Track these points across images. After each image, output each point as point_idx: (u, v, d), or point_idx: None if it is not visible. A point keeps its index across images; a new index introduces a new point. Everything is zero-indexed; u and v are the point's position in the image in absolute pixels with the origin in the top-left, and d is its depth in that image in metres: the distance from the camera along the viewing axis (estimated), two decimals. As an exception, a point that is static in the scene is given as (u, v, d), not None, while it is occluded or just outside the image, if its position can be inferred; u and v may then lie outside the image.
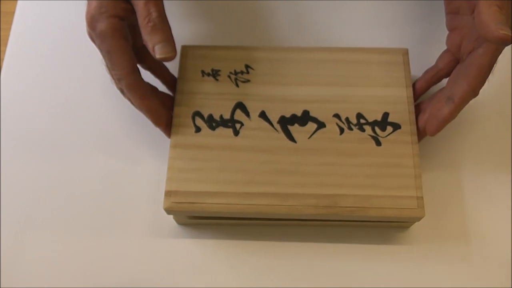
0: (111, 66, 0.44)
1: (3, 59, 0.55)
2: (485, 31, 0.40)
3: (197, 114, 0.47)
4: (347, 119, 0.47)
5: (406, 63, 0.50)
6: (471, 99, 0.45)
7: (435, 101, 0.47)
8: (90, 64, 0.53)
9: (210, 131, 0.47)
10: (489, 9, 0.40)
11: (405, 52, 0.50)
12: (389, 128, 0.47)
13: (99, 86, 0.53)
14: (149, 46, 0.43)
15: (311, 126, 0.47)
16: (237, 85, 0.49)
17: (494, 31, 0.39)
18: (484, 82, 0.44)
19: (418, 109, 0.48)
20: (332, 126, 0.47)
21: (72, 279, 0.47)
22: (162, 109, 0.46)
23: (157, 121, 0.46)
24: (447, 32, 0.49)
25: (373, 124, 0.47)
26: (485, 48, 0.43)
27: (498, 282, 0.47)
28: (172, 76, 0.50)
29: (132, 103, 0.47)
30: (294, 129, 0.47)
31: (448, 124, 0.46)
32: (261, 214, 0.45)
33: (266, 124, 0.47)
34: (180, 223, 0.49)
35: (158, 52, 0.42)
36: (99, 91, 0.54)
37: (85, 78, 0.54)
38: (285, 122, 0.47)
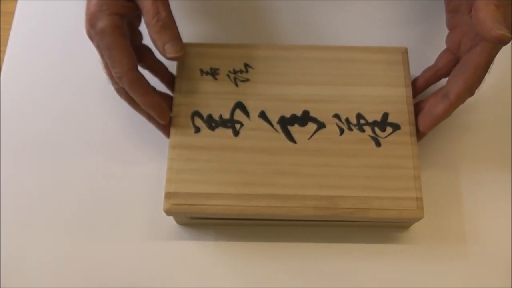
0: (111, 63, 0.42)
1: (3, 59, 0.54)
2: (481, 29, 0.38)
3: (196, 114, 0.46)
4: (347, 119, 0.45)
5: (406, 62, 0.48)
6: (467, 97, 0.43)
7: (432, 98, 0.46)
8: (91, 64, 0.51)
9: (209, 131, 0.45)
10: (487, 7, 0.39)
11: (405, 51, 0.48)
12: (389, 129, 0.45)
13: (99, 87, 0.52)
14: (159, 45, 0.42)
15: (311, 126, 0.45)
16: (236, 84, 0.47)
17: (490, 29, 0.38)
18: (481, 81, 0.43)
19: (417, 108, 0.47)
20: (332, 127, 0.45)
21: (72, 280, 0.46)
22: (165, 104, 0.45)
23: (161, 116, 0.44)
24: (446, 32, 0.47)
25: (373, 124, 0.45)
26: (482, 46, 0.42)
27: (497, 282, 0.46)
28: (171, 74, 0.49)
29: (129, 103, 0.46)
30: (294, 129, 0.45)
31: (448, 125, 0.45)
32: (261, 216, 0.43)
33: (266, 124, 0.45)
34: (180, 223, 0.48)
35: (168, 51, 0.42)
36: (99, 92, 0.52)
37: (85, 78, 0.53)
38: (285, 123, 0.45)
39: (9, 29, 0.55)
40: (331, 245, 0.47)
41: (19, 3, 0.56)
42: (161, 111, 0.44)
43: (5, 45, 0.54)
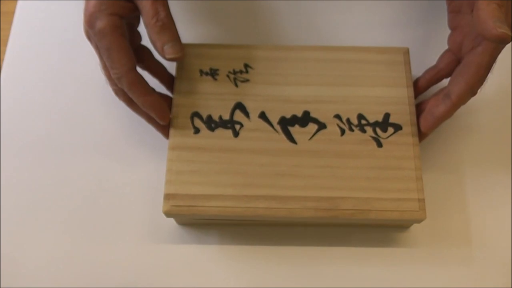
0: (110, 64, 0.42)
1: (3, 59, 0.54)
2: (483, 29, 0.38)
3: (196, 114, 0.45)
4: (348, 120, 0.45)
5: (407, 63, 0.47)
6: (469, 98, 0.43)
7: (434, 99, 0.45)
8: (90, 64, 0.50)
9: (209, 132, 0.44)
10: (488, 6, 0.38)
11: (406, 51, 0.48)
12: (390, 129, 0.45)
13: (99, 87, 0.51)
14: (158, 45, 0.42)
15: (312, 127, 0.45)
16: (236, 85, 0.46)
17: (492, 28, 0.37)
18: (483, 81, 0.42)
19: (419, 109, 0.46)
20: (333, 127, 0.45)
21: (72, 281, 0.46)
22: (165, 105, 0.44)
23: (162, 117, 0.44)
24: (448, 32, 0.47)
25: (374, 125, 0.45)
26: (484, 46, 0.41)
27: (499, 284, 0.45)
28: (170, 75, 0.48)
29: (128, 105, 0.45)
30: (295, 130, 0.44)
31: (450, 126, 0.44)
32: (261, 217, 0.42)
33: (266, 125, 0.45)
34: (180, 223, 0.47)
35: (167, 51, 0.41)
36: (99, 92, 0.51)
37: (85, 79, 0.52)
38: (286, 123, 0.45)
39: (9, 29, 0.55)
40: (332, 248, 0.47)
41: (19, 3, 0.56)
42: (161, 112, 0.44)
43: (5, 45, 0.54)
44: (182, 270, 0.46)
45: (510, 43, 0.38)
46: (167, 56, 0.42)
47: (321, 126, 0.45)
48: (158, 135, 0.46)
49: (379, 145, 0.44)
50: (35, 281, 0.45)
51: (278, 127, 0.44)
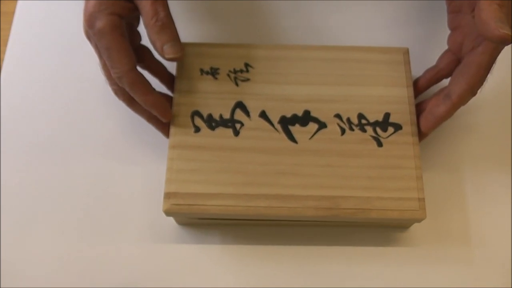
0: (111, 64, 0.41)
1: (3, 59, 0.53)
2: (484, 29, 0.38)
3: (196, 113, 0.45)
4: (348, 119, 0.45)
5: (407, 62, 0.47)
6: (469, 98, 0.43)
7: (434, 99, 0.45)
8: (90, 64, 0.50)
9: (209, 131, 0.44)
10: (490, 6, 0.38)
11: (406, 51, 0.48)
12: (390, 129, 0.44)
13: (99, 87, 0.51)
14: (158, 45, 0.41)
15: (312, 126, 0.44)
16: (236, 84, 0.46)
17: (494, 29, 0.37)
18: (483, 81, 0.42)
19: (419, 109, 0.46)
20: (333, 127, 0.44)
21: (72, 281, 0.45)
22: (167, 103, 0.44)
23: (164, 115, 0.44)
24: (448, 32, 0.47)
25: (374, 124, 0.45)
26: (485, 46, 0.41)
27: (498, 283, 0.45)
28: (171, 74, 0.48)
29: (128, 104, 0.45)
30: (295, 129, 0.44)
31: (450, 126, 0.44)
32: (261, 216, 0.42)
33: (266, 124, 0.45)
34: (180, 222, 0.47)
35: (167, 51, 0.41)
36: (99, 92, 0.51)
37: (85, 79, 0.52)
38: (286, 123, 0.45)
39: (9, 29, 0.54)
40: (332, 247, 0.46)
41: (19, 3, 0.56)
42: (163, 109, 0.44)
43: (5, 45, 0.54)
44: (183, 270, 0.46)
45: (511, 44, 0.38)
46: (167, 56, 0.42)
47: (322, 125, 0.45)
48: (158, 134, 0.46)
49: (379, 144, 0.44)
50: (35, 281, 0.45)
51: (278, 126, 0.44)
